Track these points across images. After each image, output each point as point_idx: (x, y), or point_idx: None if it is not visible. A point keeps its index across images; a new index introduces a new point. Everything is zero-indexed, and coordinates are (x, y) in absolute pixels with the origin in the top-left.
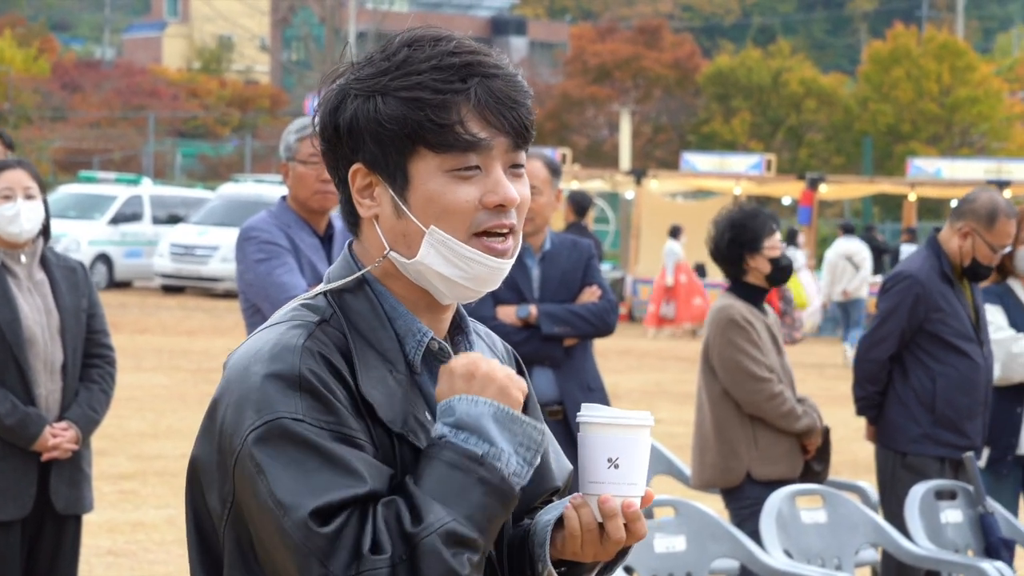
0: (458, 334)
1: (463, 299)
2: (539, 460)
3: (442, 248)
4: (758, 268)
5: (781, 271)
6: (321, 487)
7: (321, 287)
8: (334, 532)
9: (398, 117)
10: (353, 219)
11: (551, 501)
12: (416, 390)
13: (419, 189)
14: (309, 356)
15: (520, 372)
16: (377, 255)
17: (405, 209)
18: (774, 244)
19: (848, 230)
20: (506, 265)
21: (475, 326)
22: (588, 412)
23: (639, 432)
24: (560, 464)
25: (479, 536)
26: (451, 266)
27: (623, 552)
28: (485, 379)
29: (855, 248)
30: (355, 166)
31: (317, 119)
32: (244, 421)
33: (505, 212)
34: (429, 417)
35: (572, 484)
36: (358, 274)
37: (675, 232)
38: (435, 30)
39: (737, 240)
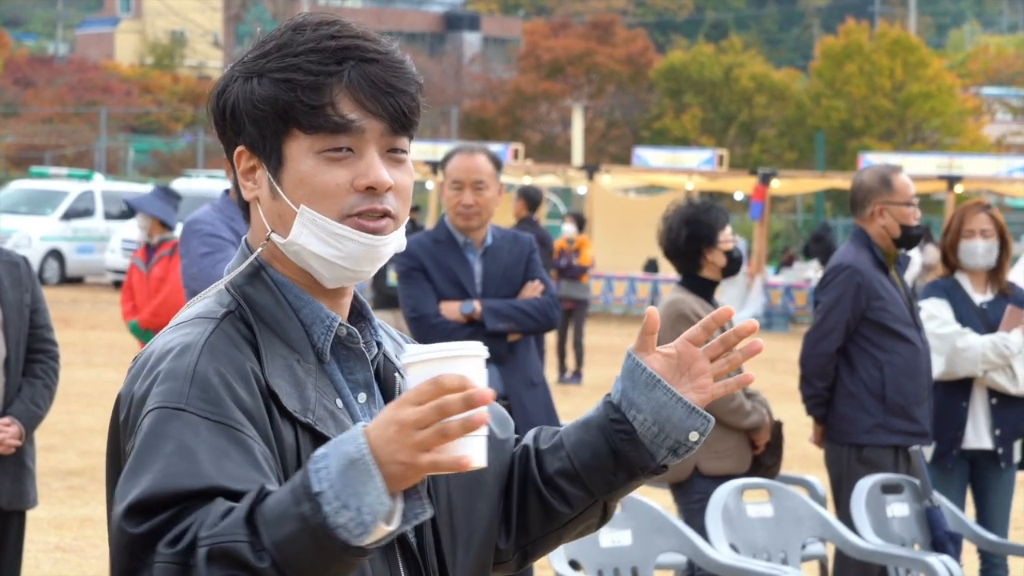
0: (360, 321)
1: (344, 281)
2: (383, 532)
3: (313, 227)
4: (715, 262)
5: (734, 263)
6: (170, 474)
7: (222, 281)
8: (158, 521)
9: (270, 98)
10: (243, 203)
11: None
12: (326, 379)
13: (291, 170)
14: (208, 353)
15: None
16: (263, 239)
17: (279, 189)
18: (727, 237)
19: None
20: (381, 243)
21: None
22: (410, 351)
23: (462, 363)
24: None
25: (269, 568)
26: (324, 244)
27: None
28: (402, 432)
29: None
30: (239, 148)
31: (210, 103)
32: (136, 419)
33: (378, 196)
34: (340, 405)
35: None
36: (250, 259)
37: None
38: (323, 14)
39: (694, 236)
